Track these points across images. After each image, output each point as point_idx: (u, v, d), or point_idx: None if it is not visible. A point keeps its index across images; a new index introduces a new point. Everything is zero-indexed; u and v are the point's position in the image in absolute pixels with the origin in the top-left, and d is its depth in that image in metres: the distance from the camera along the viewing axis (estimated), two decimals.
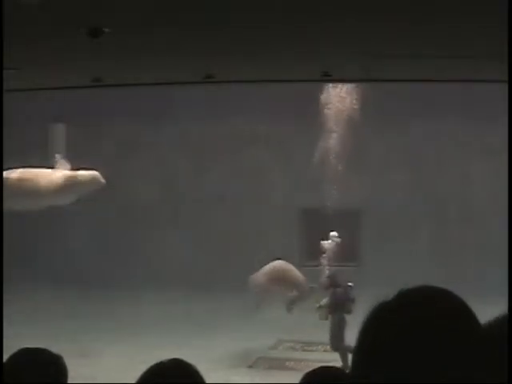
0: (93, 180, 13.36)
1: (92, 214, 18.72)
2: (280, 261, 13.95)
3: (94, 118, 18.96)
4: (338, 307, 11.80)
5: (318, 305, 12.38)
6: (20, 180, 13.01)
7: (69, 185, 13.17)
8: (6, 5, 5.01)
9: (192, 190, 19.37)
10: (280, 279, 13.68)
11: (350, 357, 11.10)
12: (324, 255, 14.15)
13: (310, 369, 2.84)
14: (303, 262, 16.75)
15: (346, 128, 16.08)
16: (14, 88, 9.20)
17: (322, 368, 2.89)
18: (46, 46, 6.78)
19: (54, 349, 3.05)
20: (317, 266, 14.11)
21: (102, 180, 13.39)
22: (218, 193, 19.04)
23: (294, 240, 18.33)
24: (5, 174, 12.66)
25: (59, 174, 13.28)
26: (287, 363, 12.84)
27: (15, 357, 2.97)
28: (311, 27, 6.15)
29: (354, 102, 15.97)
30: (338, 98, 16.32)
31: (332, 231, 14.41)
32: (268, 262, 13.97)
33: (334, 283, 12.13)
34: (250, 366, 12.66)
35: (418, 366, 1.46)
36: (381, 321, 1.54)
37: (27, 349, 3.02)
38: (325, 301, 12.20)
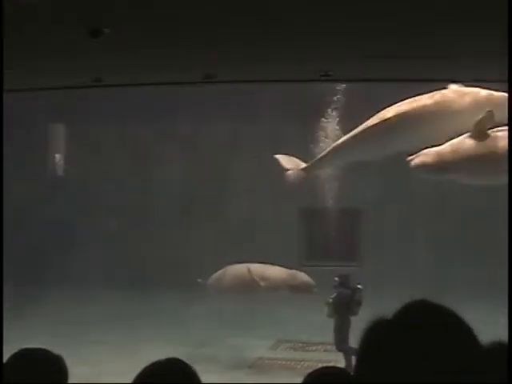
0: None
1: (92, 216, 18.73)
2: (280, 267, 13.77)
3: (94, 118, 18.95)
4: (344, 308, 11.62)
5: (329, 301, 11.84)
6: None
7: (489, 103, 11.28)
8: (6, 5, 5.01)
9: (191, 189, 19.37)
10: (288, 283, 13.46)
11: (353, 358, 11.05)
12: None
13: (311, 369, 2.84)
14: (303, 262, 16.76)
15: (346, 128, 16.05)
16: (14, 88, 9.19)
17: (323, 368, 2.90)
18: (46, 45, 6.78)
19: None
20: (316, 265, 14.09)
21: None
22: (218, 191, 19.04)
23: (294, 240, 18.31)
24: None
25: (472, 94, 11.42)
26: (287, 363, 12.83)
27: (15, 357, 2.97)
28: (311, 27, 6.15)
29: (354, 101, 15.95)
30: (338, 97, 16.31)
31: None
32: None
33: (343, 283, 11.90)
34: (250, 366, 12.65)
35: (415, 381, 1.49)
36: (381, 338, 1.56)
37: (27, 349, 3.02)
38: (330, 300, 11.87)
